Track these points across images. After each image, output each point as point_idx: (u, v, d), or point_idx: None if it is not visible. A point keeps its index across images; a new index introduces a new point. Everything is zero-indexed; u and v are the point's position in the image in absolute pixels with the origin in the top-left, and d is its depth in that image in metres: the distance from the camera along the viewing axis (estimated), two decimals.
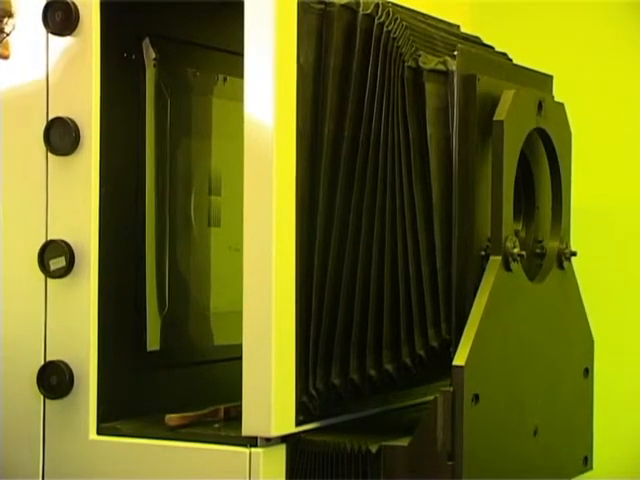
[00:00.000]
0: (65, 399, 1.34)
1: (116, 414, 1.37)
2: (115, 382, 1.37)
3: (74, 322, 1.35)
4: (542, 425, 1.45)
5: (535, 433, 1.44)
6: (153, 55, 1.43)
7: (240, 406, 1.30)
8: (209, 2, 1.44)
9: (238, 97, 1.31)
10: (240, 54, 1.28)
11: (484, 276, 1.35)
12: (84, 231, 1.34)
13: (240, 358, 1.29)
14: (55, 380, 1.34)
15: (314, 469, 1.35)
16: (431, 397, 1.30)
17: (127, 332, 1.42)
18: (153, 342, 1.45)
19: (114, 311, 1.38)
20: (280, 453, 1.30)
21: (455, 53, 1.37)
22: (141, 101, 1.43)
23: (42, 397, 1.34)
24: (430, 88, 1.38)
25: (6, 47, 1.39)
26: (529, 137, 1.43)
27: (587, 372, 1.57)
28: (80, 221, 1.34)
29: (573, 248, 1.54)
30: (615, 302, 2.09)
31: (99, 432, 1.35)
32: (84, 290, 1.34)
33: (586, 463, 1.57)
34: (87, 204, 1.34)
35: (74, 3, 1.34)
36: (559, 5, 2.16)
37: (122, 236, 1.41)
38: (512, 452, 1.41)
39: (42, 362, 1.34)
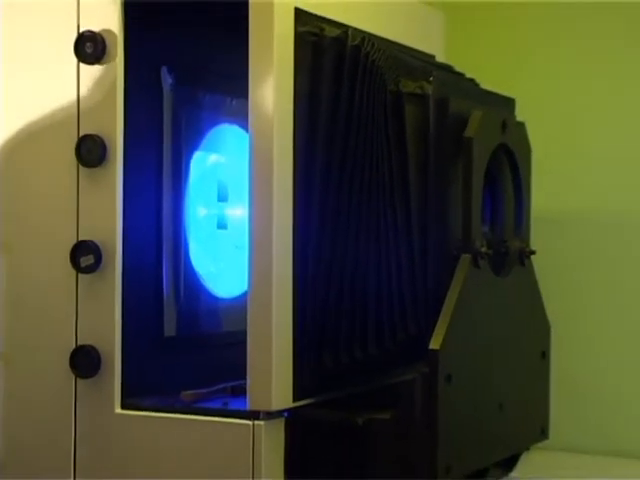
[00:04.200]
0: (94, 378, 1.34)
1: (138, 391, 1.37)
2: (137, 363, 1.37)
3: (101, 312, 1.34)
4: (506, 400, 1.46)
5: (500, 407, 1.45)
6: (170, 81, 1.42)
7: (245, 384, 1.30)
8: (218, 35, 1.44)
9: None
10: (245, 78, 1.28)
11: (456, 272, 1.36)
12: (110, 233, 1.34)
13: (245, 342, 1.29)
14: (85, 362, 1.34)
15: (308, 439, 1.34)
16: (410, 377, 1.31)
17: (147, 320, 1.41)
18: (170, 329, 1.45)
19: (136, 302, 1.37)
20: (279, 425, 1.30)
21: (431, 79, 1.38)
22: (159, 121, 1.42)
23: (74, 377, 1.35)
24: (409, 109, 1.38)
25: None
26: (494, 152, 1.44)
27: (544, 354, 1.58)
28: (107, 224, 1.34)
29: (532, 247, 1.55)
30: (569, 293, 2.10)
31: (123, 407, 1.34)
32: (110, 284, 1.33)
33: (543, 433, 1.59)
34: (112, 209, 1.33)
35: (101, 36, 1.33)
36: (520, 40, 2.19)
37: (143, 237, 1.40)
38: (481, 424, 1.42)
39: (74, 346, 1.34)
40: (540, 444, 1.59)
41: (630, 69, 2.13)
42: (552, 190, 2.06)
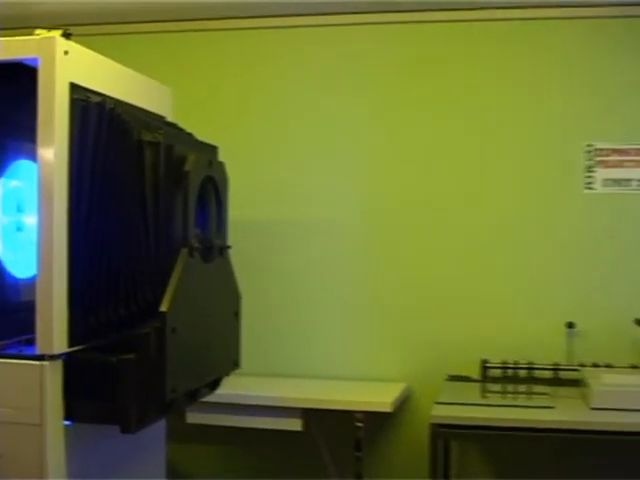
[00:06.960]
0: None
1: None
2: None
3: None
4: (212, 344, 1.65)
5: (208, 349, 1.64)
6: None
7: (34, 337, 1.41)
8: (19, 97, 1.50)
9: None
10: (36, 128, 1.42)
11: (178, 260, 1.53)
12: None
13: (35, 308, 1.41)
14: None
15: (79, 374, 1.45)
16: (148, 330, 1.47)
17: None
18: None
19: None
20: (59, 365, 1.45)
21: (162, 132, 1.54)
22: None
23: None
24: (147, 152, 1.53)
25: None
26: (204, 181, 1.62)
27: (236, 314, 1.79)
28: None
29: (229, 243, 1.73)
30: (252, 274, 2.32)
31: None
32: None
33: (236, 364, 1.78)
34: None
35: None
36: (223, 106, 2.37)
37: None
38: (195, 360, 1.59)
39: None
40: (236, 371, 1.78)
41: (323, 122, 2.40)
42: (243, 206, 2.27)
